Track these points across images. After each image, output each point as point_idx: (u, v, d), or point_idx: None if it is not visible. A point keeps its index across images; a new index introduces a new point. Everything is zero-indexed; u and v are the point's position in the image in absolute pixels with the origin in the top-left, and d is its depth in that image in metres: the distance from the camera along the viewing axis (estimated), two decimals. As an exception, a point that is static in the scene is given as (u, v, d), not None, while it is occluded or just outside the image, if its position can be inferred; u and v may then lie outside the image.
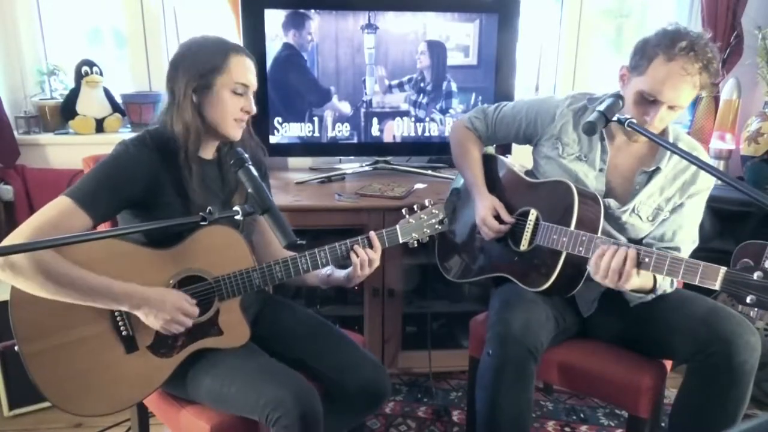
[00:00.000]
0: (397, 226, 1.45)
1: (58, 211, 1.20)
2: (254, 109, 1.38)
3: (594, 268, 1.35)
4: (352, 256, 1.39)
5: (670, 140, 1.50)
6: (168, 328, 1.26)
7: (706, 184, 1.52)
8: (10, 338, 1.22)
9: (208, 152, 1.43)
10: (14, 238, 1.17)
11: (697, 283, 1.22)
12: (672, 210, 1.53)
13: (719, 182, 1.47)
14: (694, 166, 1.47)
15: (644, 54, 1.40)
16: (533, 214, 1.56)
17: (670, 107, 1.40)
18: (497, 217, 1.61)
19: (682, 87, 1.36)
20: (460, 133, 1.80)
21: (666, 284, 1.51)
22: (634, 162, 1.55)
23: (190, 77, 1.30)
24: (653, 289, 1.47)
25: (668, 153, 1.48)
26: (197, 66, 1.31)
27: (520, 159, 1.89)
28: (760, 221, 2.21)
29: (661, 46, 1.37)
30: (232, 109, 1.34)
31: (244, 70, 1.34)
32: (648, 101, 1.41)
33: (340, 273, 1.49)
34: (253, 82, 1.37)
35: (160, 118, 1.38)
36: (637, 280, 1.34)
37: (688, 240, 1.55)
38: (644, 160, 1.54)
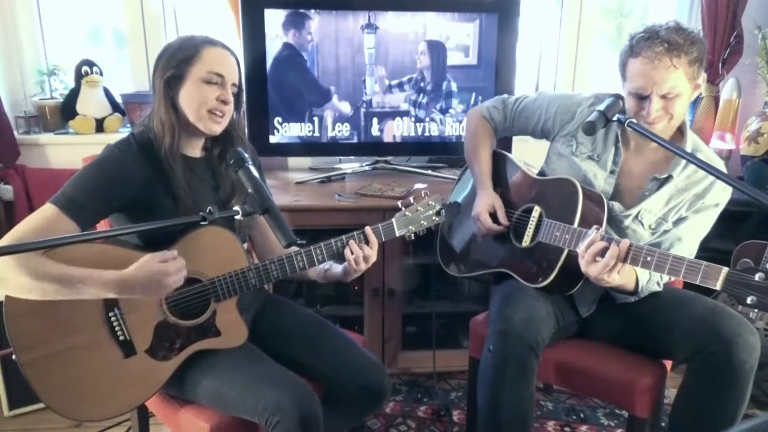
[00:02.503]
0: (393, 220, 1.44)
1: (43, 219, 1.19)
2: (231, 99, 1.35)
3: (582, 252, 1.35)
4: (346, 252, 1.38)
5: (688, 149, 1.47)
6: (170, 290, 1.22)
7: (716, 200, 1.49)
8: (7, 344, 1.21)
9: (195, 150, 1.42)
10: None
11: (698, 282, 1.22)
12: (675, 222, 1.52)
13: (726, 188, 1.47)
14: (707, 180, 1.47)
15: (621, 61, 1.47)
16: (537, 210, 1.56)
17: (662, 96, 1.40)
18: (494, 216, 1.61)
19: (657, 74, 1.37)
20: (476, 124, 1.79)
21: (652, 286, 1.51)
22: (648, 167, 1.54)
23: (164, 70, 1.31)
24: (636, 291, 1.47)
25: (682, 162, 1.47)
26: (169, 60, 1.32)
27: (521, 156, 1.88)
28: (760, 221, 2.21)
29: (627, 49, 1.43)
30: (206, 99, 1.31)
31: (217, 60, 1.33)
32: (639, 98, 1.43)
33: (338, 268, 1.48)
34: (230, 73, 1.34)
35: (144, 120, 1.38)
36: (618, 278, 1.34)
37: (684, 253, 1.53)
38: (658, 167, 1.53)
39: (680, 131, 1.52)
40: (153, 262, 1.20)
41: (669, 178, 1.49)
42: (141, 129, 1.37)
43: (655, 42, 1.36)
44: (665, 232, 1.52)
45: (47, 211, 1.21)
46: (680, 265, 1.24)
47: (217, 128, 1.35)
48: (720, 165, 1.51)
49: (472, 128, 1.80)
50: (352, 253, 1.38)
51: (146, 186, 1.30)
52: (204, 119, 1.33)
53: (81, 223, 1.22)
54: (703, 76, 1.45)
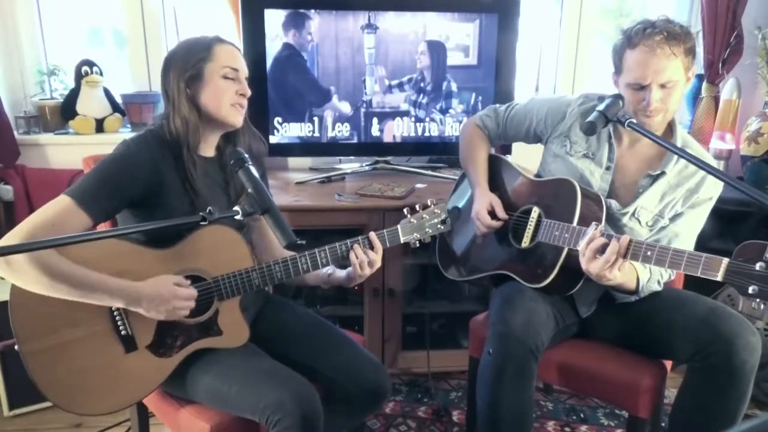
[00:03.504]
0: (399, 226, 1.45)
1: (57, 210, 1.21)
2: (249, 91, 1.41)
3: (583, 249, 1.35)
4: (351, 256, 1.39)
5: (678, 145, 1.48)
6: (172, 316, 1.26)
7: (709, 194, 1.51)
8: (10, 338, 1.22)
9: (209, 149, 1.44)
10: (13, 236, 1.17)
11: (699, 274, 1.22)
12: (671, 218, 1.53)
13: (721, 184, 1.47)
14: (699, 174, 1.48)
15: (616, 54, 1.49)
16: (535, 211, 1.56)
17: (662, 86, 1.41)
18: (492, 214, 1.61)
19: (656, 62, 1.39)
20: (470, 132, 1.82)
21: (653, 285, 1.51)
22: (642, 164, 1.55)
23: (180, 72, 1.34)
24: (636, 290, 1.47)
25: (674, 158, 1.48)
26: (185, 61, 1.34)
27: (520, 161, 1.89)
28: (760, 221, 2.21)
29: (624, 42, 1.45)
30: (227, 94, 1.36)
31: (230, 56, 1.38)
32: (638, 89, 1.44)
33: (341, 273, 1.49)
34: (242, 66, 1.40)
35: (157, 120, 1.40)
36: (619, 275, 1.34)
37: (682, 248, 1.54)
38: (651, 163, 1.54)
39: (670, 128, 1.54)
40: (167, 282, 1.25)
41: (662, 174, 1.50)
42: (154, 127, 1.38)
43: (654, 31, 1.39)
44: (662, 228, 1.53)
45: (62, 202, 1.22)
46: (681, 258, 1.24)
47: (240, 120, 1.41)
48: (709, 159, 1.54)
49: (466, 136, 1.83)
50: (357, 258, 1.39)
51: (161, 182, 1.32)
52: (226, 112, 1.37)
53: (94, 216, 1.24)
54: (694, 69, 1.47)
